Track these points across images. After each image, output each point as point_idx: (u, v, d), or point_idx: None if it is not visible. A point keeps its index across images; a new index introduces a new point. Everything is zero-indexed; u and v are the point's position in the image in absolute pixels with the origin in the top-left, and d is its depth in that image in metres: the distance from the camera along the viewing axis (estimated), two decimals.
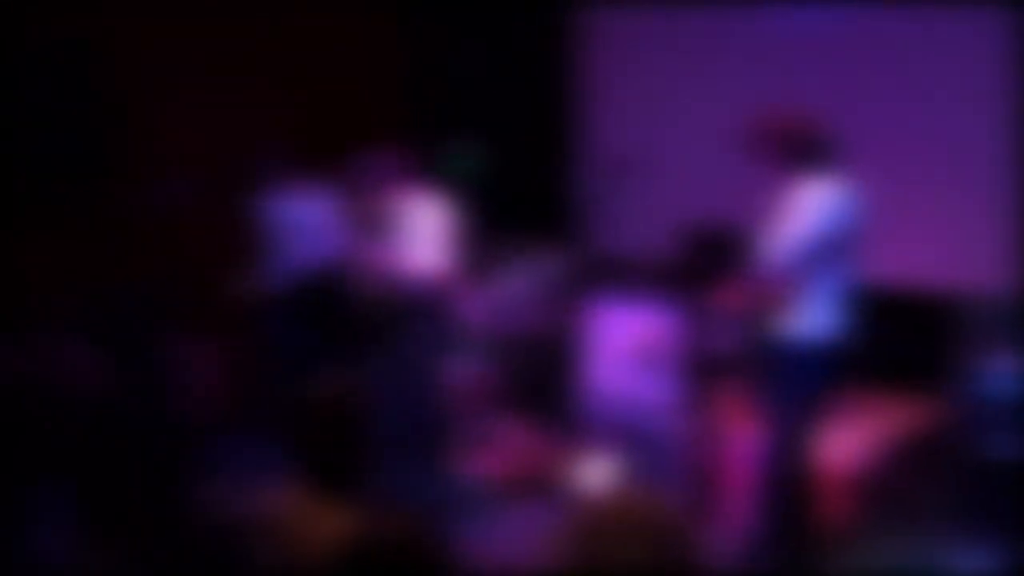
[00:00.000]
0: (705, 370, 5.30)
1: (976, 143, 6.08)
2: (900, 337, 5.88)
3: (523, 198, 7.27)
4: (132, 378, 5.97)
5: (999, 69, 5.95)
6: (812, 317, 4.60)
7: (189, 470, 5.64)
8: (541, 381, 6.27)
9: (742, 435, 5.20)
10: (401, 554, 3.30)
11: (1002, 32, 5.90)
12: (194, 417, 6.24)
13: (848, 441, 5.33)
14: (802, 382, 4.65)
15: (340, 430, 3.38)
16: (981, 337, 5.51)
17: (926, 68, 6.25)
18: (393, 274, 5.39)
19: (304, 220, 6.54)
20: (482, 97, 7.78)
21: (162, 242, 6.74)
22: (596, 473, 5.19)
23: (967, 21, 6.02)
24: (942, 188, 6.23)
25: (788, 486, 4.71)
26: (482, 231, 6.17)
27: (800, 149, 4.61)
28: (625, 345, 5.40)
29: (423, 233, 5.42)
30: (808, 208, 4.53)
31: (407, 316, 5.43)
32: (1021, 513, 5.00)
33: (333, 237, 6.38)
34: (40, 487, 5.14)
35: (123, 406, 5.76)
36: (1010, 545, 4.90)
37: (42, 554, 4.91)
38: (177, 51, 6.97)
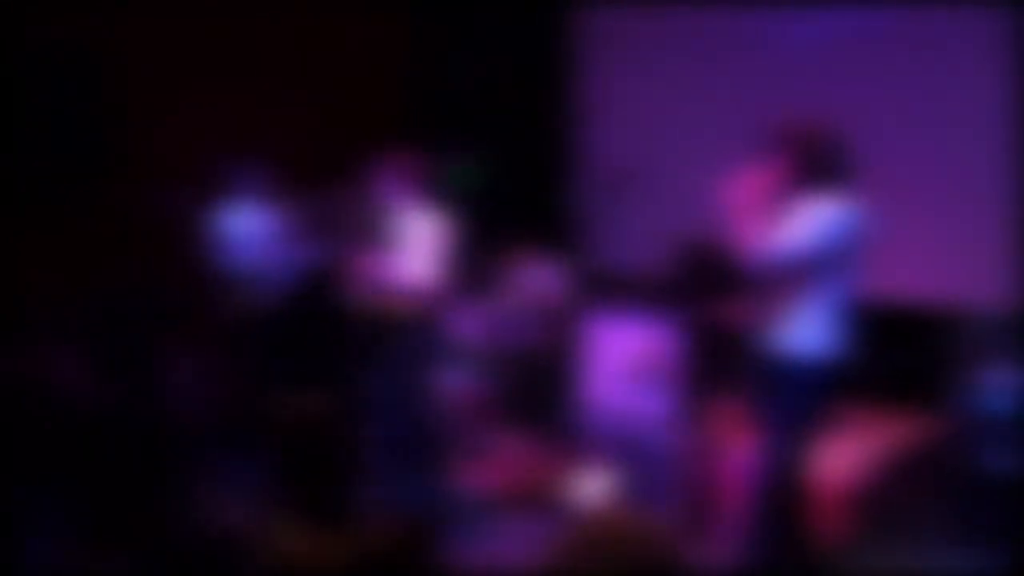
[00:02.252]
0: (702, 385, 5.29)
1: (975, 158, 6.06)
2: (898, 351, 5.88)
3: (522, 211, 7.25)
4: (128, 382, 5.97)
5: (1000, 77, 5.92)
6: (810, 332, 4.57)
7: (183, 477, 5.64)
8: (538, 395, 6.27)
9: (739, 449, 5.20)
10: (395, 566, 3.31)
11: (1002, 33, 5.88)
12: (188, 424, 6.23)
13: (846, 455, 5.33)
14: (799, 397, 4.63)
15: (321, 444, 3.38)
16: (979, 351, 5.51)
17: (927, 79, 6.23)
18: (387, 285, 5.38)
19: (272, 232, 6.52)
20: (482, 101, 7.75)
21: (161, 244, 6.74)
22: (592, 487, 5.19)
23: (967, 23, 6.00)
24: (941, 203, 6.21)
25: (784, 500, 4.70)
26: (480, 244, 6.16)
27: (819, 163, 4.54)
28: (622, 359, 5.39)
29: (420, 244, 5.41)
30: (813, 224, 4.47)
31: (400, 328, 5.42)
32: (1018, 527, 5.00)
33: (304, 248, 6.37)
34: (34, 491, 5.15)
35: (118, 411, 5.76)
36: (1007, 559, 4.90)
37: (36, 559, 4.92)
38: (177, 52, 6.96)
